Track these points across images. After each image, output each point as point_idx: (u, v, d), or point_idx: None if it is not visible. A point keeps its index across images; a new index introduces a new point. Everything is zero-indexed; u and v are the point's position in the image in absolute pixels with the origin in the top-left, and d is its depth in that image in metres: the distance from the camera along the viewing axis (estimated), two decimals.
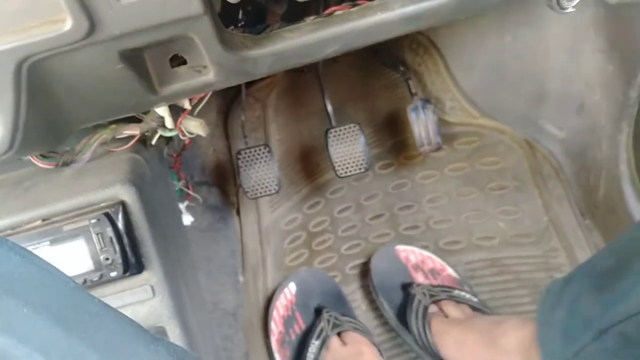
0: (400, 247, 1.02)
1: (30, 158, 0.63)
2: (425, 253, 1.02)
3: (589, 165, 1.00)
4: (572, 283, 0.65)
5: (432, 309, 0.91)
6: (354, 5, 0.55)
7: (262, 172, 0.99)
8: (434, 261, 1.01)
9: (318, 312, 0.96)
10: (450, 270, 1.00)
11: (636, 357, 0.55)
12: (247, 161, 0.99)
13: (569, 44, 0.94)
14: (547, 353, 0.65)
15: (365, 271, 1.04)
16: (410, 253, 1.02)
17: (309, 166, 1.17)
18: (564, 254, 1.00)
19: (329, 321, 0.91)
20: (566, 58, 0.96)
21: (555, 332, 0.63)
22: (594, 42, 0.90)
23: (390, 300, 0.97)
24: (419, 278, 0.98)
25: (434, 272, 0.99)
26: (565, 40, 0.95)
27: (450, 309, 0.91)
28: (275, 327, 0.97)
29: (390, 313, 0.97)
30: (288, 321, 0.97)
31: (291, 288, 1.00)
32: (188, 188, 0.95)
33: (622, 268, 0.58)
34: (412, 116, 1.01)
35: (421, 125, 1.01)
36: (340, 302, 1.00)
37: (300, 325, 0.96)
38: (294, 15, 0.64)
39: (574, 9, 0.44)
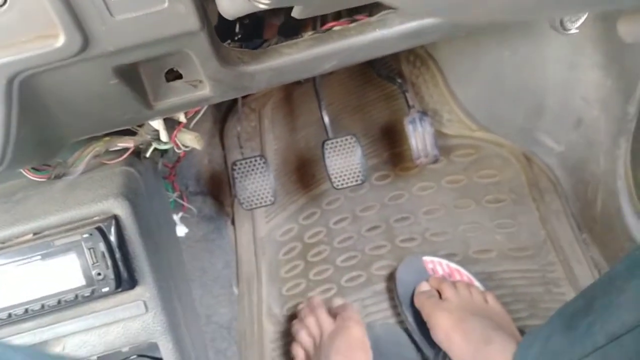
0: (428, 258, 1.00)
1: (22, 171, 0.62)
2: (453, 265, 1.00)
3: (586, 180, 1.00)
4: (547, 325, 0.69)
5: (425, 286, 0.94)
6: (352, 21, 0.54)
7: (257, 183, 0.98)
8: (462, 274, 0.99)
9: None
10: (477, 284, 0.97)
11: None
12: (243, 172, 0.98)
13: (567, 59, 0.94)
14: None
15: (360, 285, 1.03)
16: (437, 265, 1.00)
17: (306, 177, 1.16)
18: (561, 268, 0.99)
19: None
20: (564, 72, 0.96)
21: None
22: (592, 56, 0.90)
23: (415, 312, 0.94)
24: None
25: None
26: (563, 55, 0.94)
27: (446, 289, 0.91)
28: None
29: (413, 325, 0.94)
30: None
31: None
32: (182, 199, 0.94)
33: (588, 306, 0.62)
34: (409, 128, 1.00)
35: (418, 137, 1.00)
36: None
37: None
38: (291, 28, 0.64)
39: (577, 30, 0.44)
